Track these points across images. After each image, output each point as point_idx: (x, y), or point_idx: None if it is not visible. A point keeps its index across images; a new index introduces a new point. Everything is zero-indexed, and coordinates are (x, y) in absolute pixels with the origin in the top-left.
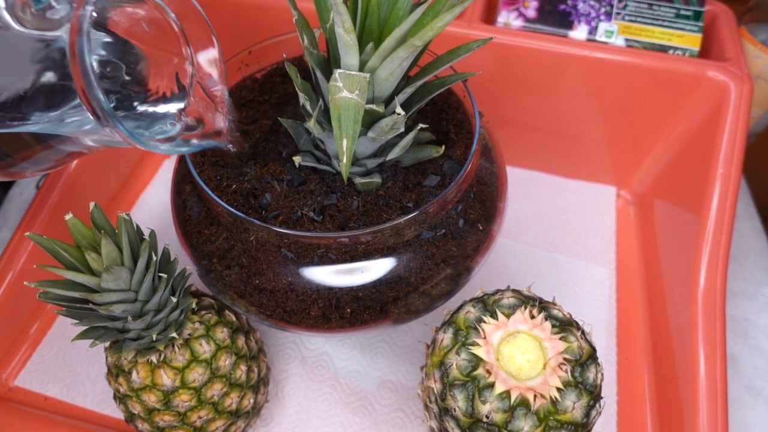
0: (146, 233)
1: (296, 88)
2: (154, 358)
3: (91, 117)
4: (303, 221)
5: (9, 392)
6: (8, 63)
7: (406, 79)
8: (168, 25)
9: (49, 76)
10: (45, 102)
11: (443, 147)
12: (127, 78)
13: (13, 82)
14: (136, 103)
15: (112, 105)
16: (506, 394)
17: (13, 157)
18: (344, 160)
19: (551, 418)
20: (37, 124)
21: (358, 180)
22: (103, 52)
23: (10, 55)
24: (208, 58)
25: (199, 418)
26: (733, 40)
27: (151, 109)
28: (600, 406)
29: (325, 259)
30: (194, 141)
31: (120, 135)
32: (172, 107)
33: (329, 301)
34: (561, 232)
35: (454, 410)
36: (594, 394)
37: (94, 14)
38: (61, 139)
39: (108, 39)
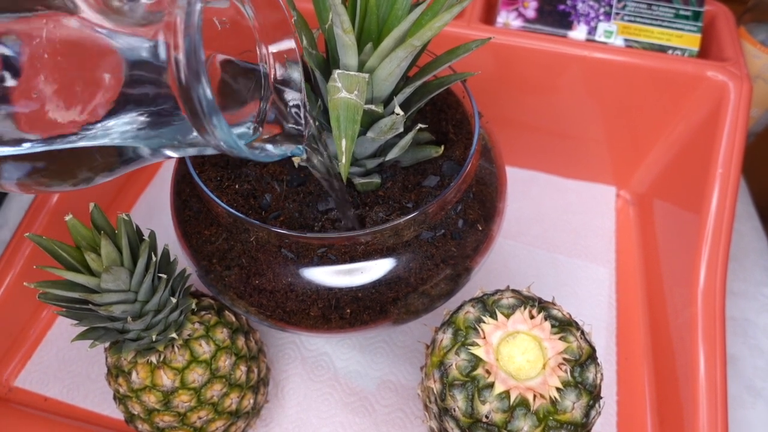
0: (146, 234)
1: None
2: (153, 359)
3: (170, 124)
4: (302, 221)
5: (9, 393)
6: (86, 65)
7: (405, 80)
8: (243, 21)
9: (129, 79)
10: (124, 109)
11: (442, 147)
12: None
13: (90, 88)
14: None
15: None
16: (506, 394)
17: (70, 172)
18: (343, 160)
19: (551, 418)
20: (109, 133)
21: (358, 180)
22: None
23: (89, 58)
24: (284, 53)
25: (199, 418)
26: (733, 40)
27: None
28: (600, 406)
29: (324, 260)
30: (269, 147)
31: (217, 137)
32: (248, 112)
33: (329, 301)
34: (561, 232)
35: (454, 410)
36: (593, 394)
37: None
38: (121, 151)
39: None
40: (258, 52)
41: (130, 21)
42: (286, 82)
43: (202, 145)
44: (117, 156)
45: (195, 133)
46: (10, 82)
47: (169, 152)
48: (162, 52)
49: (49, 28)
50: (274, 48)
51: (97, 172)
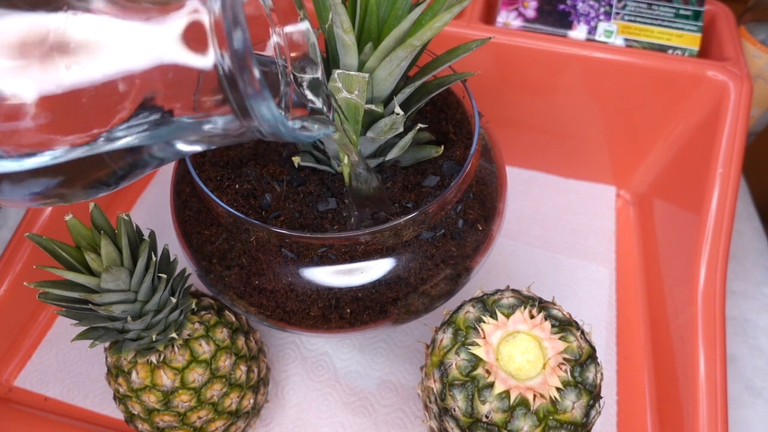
0: (146, 233)
1: None
2: (153, 359)
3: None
4: (303, 221)
5: (9, 393)
6: (106, 61)
7: (405, 79)
8: (259, 8)
9: (152, 71)
10: (149, 103)
11: (442, 147)
12: None
13: (112, 85)
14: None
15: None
16: (506, 393)
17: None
18: (346, 161)
19: (551, 417)
20: (135, 132)
21: None
22: None
23: (108, 53)
24: (296, 34)
25: (199, 418)
26: (733, 40)
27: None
28: (600, 406)
29: (325, 260)
30: (291, 124)
31: (263, 118)
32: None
33: (329, 301)
34: (561, 232)
35: (454, 410)
36: (594, 394)
37: None
38: (137, 152)
39: None
40: (274, 38)
41: (148, 7)
42: (304, 66)
43: (239, 133)
44: (132, 158)
45: (228, 120)
46: (29, 91)
47: (183, 146)
48: (193, 39)
49: (66, 23)
50: (290, 29)
51: (111, 179)
